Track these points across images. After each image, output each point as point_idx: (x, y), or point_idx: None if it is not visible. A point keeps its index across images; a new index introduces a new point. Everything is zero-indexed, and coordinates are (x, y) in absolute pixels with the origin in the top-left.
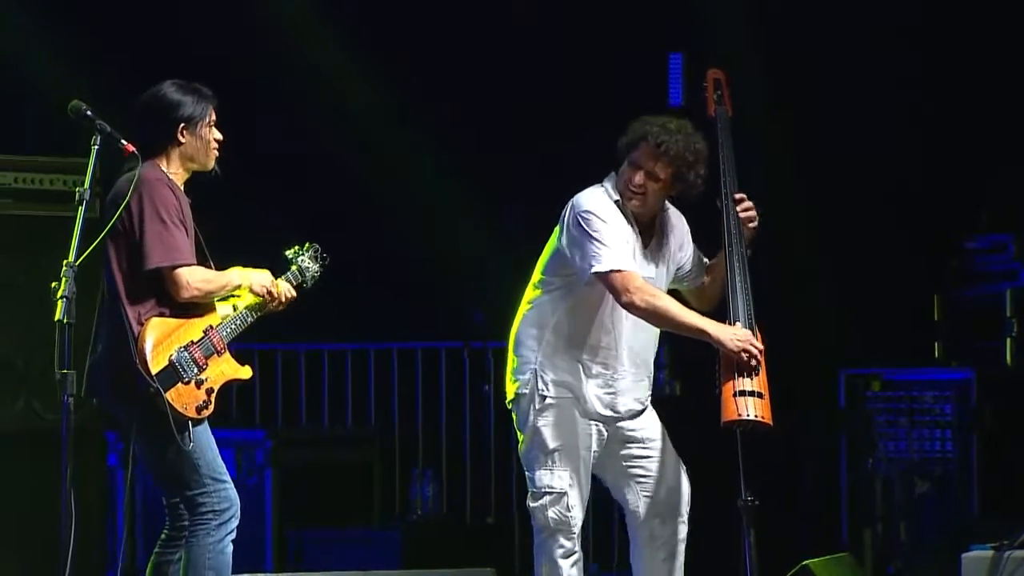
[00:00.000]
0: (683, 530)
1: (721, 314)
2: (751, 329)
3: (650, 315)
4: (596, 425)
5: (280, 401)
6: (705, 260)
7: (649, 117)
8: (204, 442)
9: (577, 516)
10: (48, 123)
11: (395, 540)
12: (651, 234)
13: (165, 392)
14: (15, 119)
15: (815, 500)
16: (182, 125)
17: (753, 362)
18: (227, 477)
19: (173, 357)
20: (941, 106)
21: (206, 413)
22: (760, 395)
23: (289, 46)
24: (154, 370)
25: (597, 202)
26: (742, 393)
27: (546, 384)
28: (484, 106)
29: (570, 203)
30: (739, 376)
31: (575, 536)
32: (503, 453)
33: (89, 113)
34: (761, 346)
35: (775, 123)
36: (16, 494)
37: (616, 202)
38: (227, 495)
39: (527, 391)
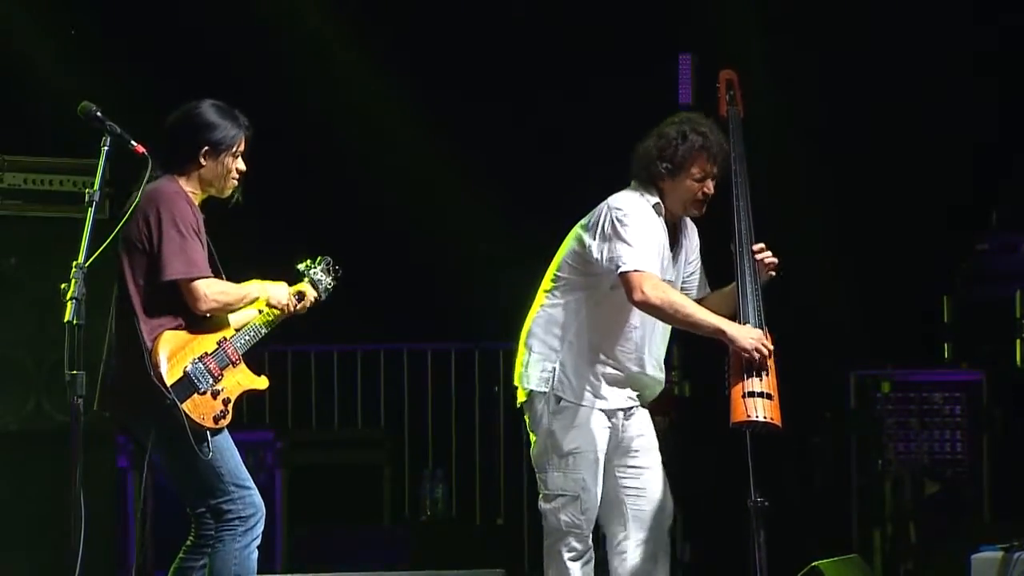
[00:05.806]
0: (666, 542)
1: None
2: (761, 330)
3: (664, 312)
4: (610, 424)
5: (291, 402)
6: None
7: (674, 122)
8: (225, 450)
9: (590, 519)
10: (58, 124)
11: (405, 541)
12: (675, 238)
13: (181, 403)
14: (25, 120)
15: (824, 501)
16: (206, 148)
17: (764, 361)
18: (251, 483)
19: (188, 368)
20: (950, 106)
21: (223, 423)
22: (769, 396)
23: (300, 45)
24: (169, 382)
25: (633, 204)
26: (751, 394)
27: (564, 385)
28: (495, 108)
29: (605, 203)
30: (748, 377)
31: (587, 538)
32: (513, 454)
33: (99, 114)
34: (771, 347)
35: (786, 124)
36: (26, 495)
37: (654, 206)
38: (252, 501)
39: (544, 389)
